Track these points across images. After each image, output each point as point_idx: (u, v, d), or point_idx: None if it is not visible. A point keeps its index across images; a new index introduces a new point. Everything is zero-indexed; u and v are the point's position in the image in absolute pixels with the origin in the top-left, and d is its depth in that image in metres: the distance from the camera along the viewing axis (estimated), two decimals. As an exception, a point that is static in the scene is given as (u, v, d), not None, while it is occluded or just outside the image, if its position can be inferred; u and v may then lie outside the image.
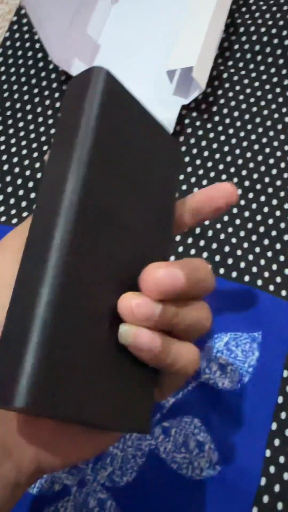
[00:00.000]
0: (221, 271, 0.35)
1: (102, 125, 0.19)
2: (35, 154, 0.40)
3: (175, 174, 0.23)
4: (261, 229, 0.36)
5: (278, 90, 0.41)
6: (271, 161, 0.39)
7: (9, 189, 0.39)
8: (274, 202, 0.37)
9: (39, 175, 0.39)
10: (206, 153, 0.39)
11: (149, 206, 0.21)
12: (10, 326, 0.16)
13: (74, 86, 0.20)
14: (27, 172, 0.39)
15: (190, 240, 0.36)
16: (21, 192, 0.38)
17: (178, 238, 0.36)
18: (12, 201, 0.38)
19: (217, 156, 0.39)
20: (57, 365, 0.16)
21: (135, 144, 0.21)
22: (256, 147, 0.39)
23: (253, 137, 0.40)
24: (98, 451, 0.20)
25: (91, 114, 0.19)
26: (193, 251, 0.36)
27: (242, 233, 0.36)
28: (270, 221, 0.37)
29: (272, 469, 0.29)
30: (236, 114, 0.41)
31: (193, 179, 0.38)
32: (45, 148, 0.40)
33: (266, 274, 0.35)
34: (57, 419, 0.17)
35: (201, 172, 0.39)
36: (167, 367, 0.19)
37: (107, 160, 0.19)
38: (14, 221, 0.38)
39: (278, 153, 0.39)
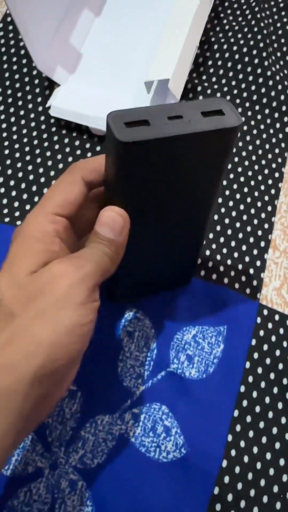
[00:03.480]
0: (191, 269, 0.37)
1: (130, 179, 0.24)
2: (17, 155, 0.42)
3: (225, 160, 0.25)
4: (229, 231, 0.39)
5: (247, 104, 0.45)
6: (239, 169, 0.42)
7: (-9, 187, 0.40)
8: (241, 207, 0.40)
9: (20, 174, 0.41)
10: (179, 160, 0.42)
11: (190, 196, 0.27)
12: None
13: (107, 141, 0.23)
14: (9, 171, 0.41)
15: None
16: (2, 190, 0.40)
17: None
18: (4, 201, 0.40)
19: (190, 163, 0.42)
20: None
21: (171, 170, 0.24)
22: (226, 156, 0.42)
23: (223, 146, 0.43)
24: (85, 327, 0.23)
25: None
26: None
27: (211, 235, 0.39)
28: (237, 225, 0.39)
29: (233, 452, 0.32)
30: (208, 125, 0.44)
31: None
32: (27, 149, 0.42)
33: (232, 273, 0.37)
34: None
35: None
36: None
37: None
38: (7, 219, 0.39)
39: (246, 163, 0.42)
